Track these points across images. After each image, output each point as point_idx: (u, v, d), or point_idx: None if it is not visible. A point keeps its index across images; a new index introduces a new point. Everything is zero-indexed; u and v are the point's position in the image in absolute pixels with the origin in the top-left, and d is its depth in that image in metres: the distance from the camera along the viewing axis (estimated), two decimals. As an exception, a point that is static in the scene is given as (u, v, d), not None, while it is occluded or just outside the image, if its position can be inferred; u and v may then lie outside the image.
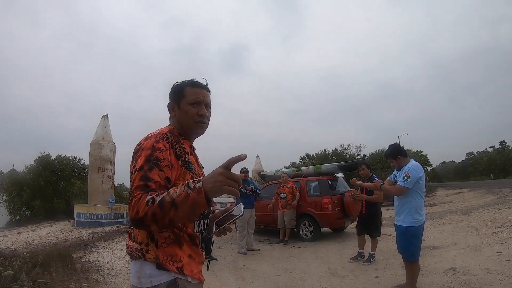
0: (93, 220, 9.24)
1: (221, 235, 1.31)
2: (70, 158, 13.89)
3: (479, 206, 9.22)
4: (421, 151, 27.70)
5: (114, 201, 9.79)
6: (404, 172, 3.18)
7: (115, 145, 10.66)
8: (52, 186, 12.57)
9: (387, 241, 5.89)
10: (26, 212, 11.81)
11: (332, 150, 26.66)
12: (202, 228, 1.26)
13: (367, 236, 5.08)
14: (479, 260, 4.14)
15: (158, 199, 0.98)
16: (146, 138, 1.18)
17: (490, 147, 54.46)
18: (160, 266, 1.12)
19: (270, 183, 8.51)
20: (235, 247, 6.31)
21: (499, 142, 52.50)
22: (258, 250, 6.10)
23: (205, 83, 1.34)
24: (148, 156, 1.10)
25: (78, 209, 9.54)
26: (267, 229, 7.94)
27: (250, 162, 18.23)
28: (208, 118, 1.32)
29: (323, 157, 25.03)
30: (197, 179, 1.01)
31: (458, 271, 3.82)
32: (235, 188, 0.97)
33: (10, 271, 3.36)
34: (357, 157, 23.71)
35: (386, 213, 10.25)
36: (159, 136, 1.17)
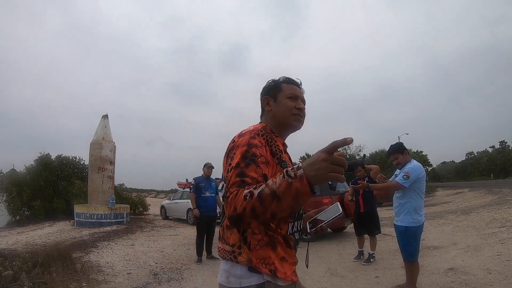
0: (93, 220, 9.22)
1: (317, 235, 1.26)
2: (70, 158, 13.86)
3: (479, 206, 9.21)
4: (421, 151, 27.67)
5: (114, 201, 9.78)
6: (405, 171, 3.18)
7: (115, 145, 10.66)
8: (52, 186, 12.56)
9: (387, 241, 5.89)
10: (26, 212, 11.79)
11: (332, 150, 26.63)
12: (296, 230, 1.21)
13: (366, 235, 5.10)
14: (479, 260, 4.14)
15: (256, 192, 0.92)
16: (240, 135, 1.14)
17: (490, 147, 54.56)
18: (252, 269, 1.09)
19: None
20: (235, 247, 6.31)
21: (499, 142, 52.58)
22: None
23: (299, 83, 1.32)
24: (245, 153, 1.06)
25: (78, 209, 9.53)
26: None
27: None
28: (304, 114, 1.28)
29: (323, 157, 24.99)
30: (295, 166, 0.91)
31: (458, 271, 3.82)
32: (340, 173, 0.89)
33: (10, 271, 3.36)
34: (357, 157, 23.71)
35: (386, 213, 10.27)
36: (254, 132, 1.14)
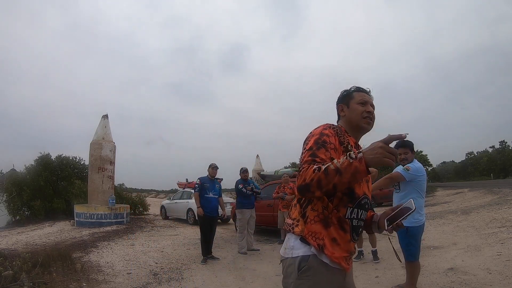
0: (93, 220, 9.23)
1: (393, 232, 1.35)
2: (70, 158, 13.85)
3: (479, 206, 9.21)
4: (421, 151, 27.62)
5: (114, 201, 9.79)
6: (406, 166, 3.16)
7: (115, 145, 10.66)
8: (52, 186, 12.55)
9: (387, 241, 5.88)
10: (26, 212, 11.79)
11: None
12: (355, 216, 1.31)
13: (365, 235, 5.11)
14: (479, 260, 4.14)
15: (323, 167, 1.13)
16: (315, 128, 1.35)
17: (490, 147, 54.52)
18: (303, 240, 1.23)
19: (270, 183, 8.51)
20: (235, 247, 6.31)
21: (499, 142, 52.54)
22: (258, 250, 6.10)
23: (368, 90, 1.50)
24: (317, 140, 1.27)
25: (78, 209, 9.54)
26: (267, 229, 7.95)
27: (250, 162, 18.24)
28: (374, 117, 1.45)
29: (323, 157, 24.98)
30: (357, 151, 1.15)
31: (458, 271, 3.82)
32: (392, 160, 1.08)
33: (10, 271, 3.36)
34: (357, 157, 23.69)
35: (386, 213, 10.24)
36: (326, 125, 1.34)
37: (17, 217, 11.66)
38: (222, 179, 7.15)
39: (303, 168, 1.18)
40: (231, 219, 9.95)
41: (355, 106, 1.42)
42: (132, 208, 12.04)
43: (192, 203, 9.36)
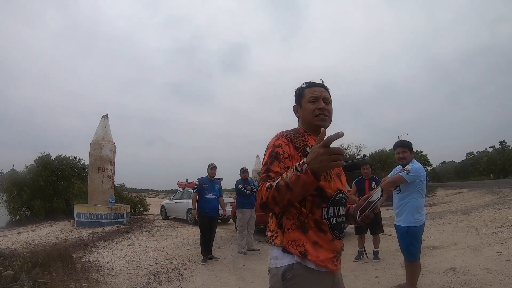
0: (93, 220, 9.23)
1: (364, 223, 1.33)
2: (70, 158, 13.85)
3: (479, 206, 9.21)
4: (421, 151, 27.57)
5: (114, 201, 9.78)
6: (406, 168, 3.17)
7: (115, 145, 10.66)
8: (52, 186, 12.55)
9: (387, 241, 5.89)
10: (26, 212, 11.79)
11: (332, 150, 26.58)
12: (332, 215, 1.29)
13: (366, 235, 5.13)
14: (479, 260, 4.14)
15: (274, 184, 1.13)
16: (271, 139, 1.35)
17: (490, 147, 54.54)
18: (285, 250, 1.23)
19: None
20: (235, 247, 6.31)
21: (499, 142, 52.57)
22: (258, 250, 6.10)
23: (321, 81, 1.46)
24: (270, 153, 1.28)
25: (78, 209, 9.53)
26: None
27: (250, 162, 18.23)
28: (329, 111, 1.40)
29: (323, 157, 24.93)
30: (301, 162, 1.09)
31: (458, 271, 3.82)
32: (339, 160, 1.04)
33: (10, 271, 3.36)
34: (357, 157, 23.69)
35: (386, 213, 10.26)
36: (279, 134, 1.34)
37: (17, 217, 11.65)
38: (222, 179, 7.15)
39: (259, 186, 1.20)
40: (231, 219, 9.96)
41: (306, 105, 1.39)
42: (132, 208, 12.04)
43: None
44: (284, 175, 1.13)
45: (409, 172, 3.12)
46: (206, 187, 5.54)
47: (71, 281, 3.96)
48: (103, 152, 10.09)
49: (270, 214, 1.33)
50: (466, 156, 61.63)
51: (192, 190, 5.84)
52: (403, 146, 3.33)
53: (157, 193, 52.51)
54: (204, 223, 5.51)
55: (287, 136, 1.31)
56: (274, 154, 1.26)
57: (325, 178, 1.27)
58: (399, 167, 3.40)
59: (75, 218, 9.50)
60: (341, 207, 1.34)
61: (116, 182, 12.19)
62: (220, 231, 8.38)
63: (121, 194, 13.18)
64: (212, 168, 5.67)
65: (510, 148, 50.32)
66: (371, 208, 1.25)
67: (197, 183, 5.65)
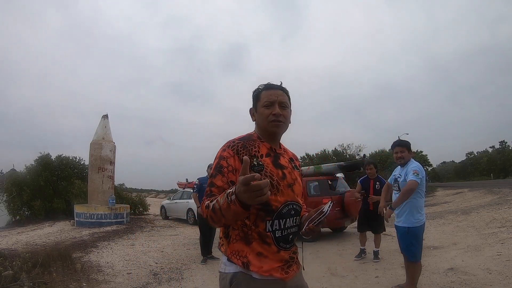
0: (93, 220, 9.23)
1: (308, 235, 1.30)
2: (70, 158, 13.85)
3: (479, 206, 9.21)
4: (421, 151, 27.58)
5: (114, 201, 9.78)
6: (413, 170, 3.13)
7: (115, 145, 10.65)
8: (52, 186, 12.55)
9: (387, 241, 5.88)
10: (26, 212, 11.79)
11: (332, 150, 26.59)
12: (277, 228, 1.26)
13: (368, 233, 5.15)
14: (479, 260, 4.14)
15: (211, 205, 1.14)
16: (221, 147, 1.32)
17: (490, 147, 54.48)
18: (229, 259, 1.26)
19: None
20: (235, 247, 6.31)
21: (499, 142, 52.51)
22: (258, 250, 6.09)
23: (280, 83, 1.39)
24: (216, 165, 1.27)
25: (78, 209, 9.53)
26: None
27: (250, 162, 18.18)
28: (285, 116, 1.34)
29: (323, 157, 24.97)
30: (231, 191, 1.06)
31: (458, 271, 3.82)
32: (262, 194, 1.00)
33: (10, 271, 3.36)
34: (357, 157, 23.68)
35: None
36: (226, 145, 1.30)
37: (17, 217, 11.65)
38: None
39: (203, 200, 1.22)
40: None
41: (261, 110, 1.34)
42: (132, 208, 12.04)
43: (192, 203, 9.36)
44: (219, 198, 1.11)
45: (418, 174, 3.10)
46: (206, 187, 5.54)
47: (71, 281, 3.96)
48: (103, 152, 10.09)
49: None
50: (466, 156, 61.67)
51: (192, 190, 5.83)
52: (402, 145, 3.31)
53: (157, 193, 52.49)
54: (204, 223, 5.51)
55: (233, 148, 1.27)
56: (218, 167, 1.25)
57: (271, 191, 1.20)
58: (399, 167, 3.40)
59: (75, 218, 9.50)
60: (289, 219, 1.29)
61: (116, 182, 12.20)
62: (220, 231, 8.38)
63: (121, 194, 13.18)
64: (212, 168, 5.67)
65: (510, 148, 50.29)
66: (316, 222, 1.24)
67: (197, 183, 5.65)
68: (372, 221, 5.03)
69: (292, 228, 1.31)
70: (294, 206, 1.32)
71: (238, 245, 1.25)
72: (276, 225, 1.26)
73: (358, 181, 5.45)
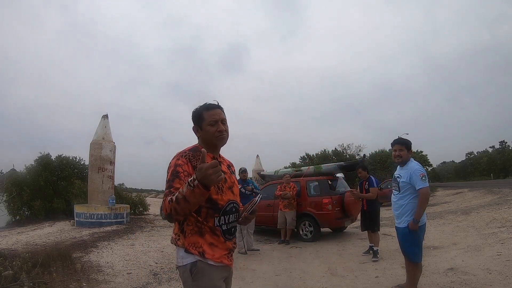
0: (93, 220, 9.22)
1: (245, 223, 1.64)
2: (70, 158, 13.84)
3: (479, 206, 9.21)
4: (421, 151, 27.56)
5: (114, 201, 9.78)
6: (420, 173, 3.09)
7: (115, 145, 10.65)
8: (52, 186, 12.54)
9: (387, 241, 5.89)
10: (26, 212, 11.78)
11: (332, 150, 26.57)
12: (223, 222, 1.55)
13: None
14: (479, 260, 4.14)
15: (174, 198, 1.34)
16: (172, 158, 1.55)
17: (490, 147, 54.40)
18: (187, 251, 1.49)
19: (270, 183, 8.51)
20: (235, 247, 6.31)
21: (499, 142, 52.44)
22: (258, 250, 6.10)
23: (216, 103, 1.64)
24: (173, 171, 1.48)
25: (78, 209, 9.53)
26: (267, 229, 7.94)
27: (250, 162, 18.20)
28: (226, 131, 1.62)
29: (323, 157, 24.97)
30: (192, 178, 1.30)
31: (458, 271, 3.82)
32: (219, 171, 1.28)
33: (10, 271, 3.36)
34: (357, 157, 23.66)
35: (386, 213, 10.26)
36: (179, 154, 1.54)
37: (17, 217, 11.65)
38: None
39: (163, 200, 1.42)
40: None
41: (207, 128, 1.58)
42: (132, 208, 12.03)
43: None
44: (180, 189, 1.34)
45: (425, 178, 3.08)
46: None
47: (71, 281, 3.96)
48: (103, 152, 10.09)
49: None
50: (466, 156, 61.61)
51: None
52: (401, 143, 3.25)
53: (157, 193, 52.45)
54: None
55: (186, 156, 1.52)
56: (175, 173, 1.47)
57: (217, 192, 1.51)
58: (398, 166, 3.37)
59: (75, 218, 9.49)
60: (231, 215, 1.58)
61: (116, 182, 12.19)
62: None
63: (121, 194, 13.18)
64: None
65: (510, 148, 50.25)
66: (249, 210, 1.57)
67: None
68: (366, 220, 5.25)
69: (234, 223, 1.60)
70: (234, 205, 1.61)
71: (194, 238, 1.49)
72: (222, 221, 1.54)
73: (358, 185, 5.75)
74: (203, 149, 1.36)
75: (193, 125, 1.65)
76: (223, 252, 1.53)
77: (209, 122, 1.58)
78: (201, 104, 1.64)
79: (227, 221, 1.55)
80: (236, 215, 1.61)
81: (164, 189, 1.52)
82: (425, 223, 3.26)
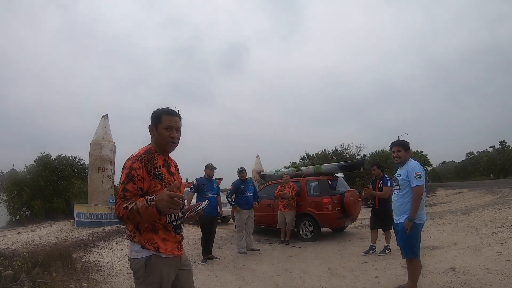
0: (93, 220, 9.23)
1: (189, 222, 1.84)
2: (70, 158, 13.87)
3: (479, 206, 9.20)
4: (421, 151, 27.55)
5: (114, 201, 9.76)
6: (415, 172, 3.17)
7: (115, 145, 10.65)
8: (52, 186, 12.56)
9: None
10: (26, 212, 11.81)
11: (332, 150, 26.55)
12: (174, 219, 1.71)
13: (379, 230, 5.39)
14: (479, 260, 4.14)
15: (129, 207, 1.49)
16: (128, 160, 1.64)
17: (490, 147, 54.42)
18: (143, 246, 1.62)
19: (270, 183, 8.51)
20: (235, 247, 6.31)
21: (499, 142, 52.46)
22: (258, 250, 6.10)
23: (177, 111, 1.75)
24: (127, 173, 1.58)
25: (78, 209, 9.53)
26: (267, 229, 7.94)
27: (250, 162, 18.20)
28: (178, 139, 1.76)
29: (323, 157, 24.95)
30: (151, 198, 1.47)
31: (458, 271, 3.82)
32: (176, 209, 1.46)
33: (10, 271, 3.36)
34: (357, 157, 23.66)
35: (386, 213, 10.25)
36: (135, 158, 1.63)
37: (17, 217, 11.67)
38: (222, 179, 7.14)
39: (117, 202, 1.55)
40: (231, 219, 9.95)
41: (162, 131, 1.69)
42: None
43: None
44: (138, 202, 1.48)
45: (420, 175, 3.14)
46: (205, 187, 5.52)
47: (71, 281, 3.96)
48: (103, 152, 10.09)
49: None
50: (466, 156, 61.63)
51: (189, 190, 5.79)
52: (399, 145, 3.39)
53: (157, 193, 52.40)
54: (206, 224, 5.50)
55: (142, 161, 1.62)
56: (130, 176, 1.57)
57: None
58: (399, 168, 3.41)
59: (75, 218, 9.50)
60: (180, 212, 1.73)
61: (116, 182, 12.16)
62: (220, 231, 8.38)
63: (121, 194, 13.15)
64: (211, 169, 5.65)
65: (510, 148, 50.26)
66: (195, 211, 1.73)
67: (194, 183, 5.64)
68: (381, 219, 5.30)
69: (181, 219, 1.77)
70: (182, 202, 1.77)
71: (149, 235, 1.63)
72: (173, 217, 1.70)
73: (370, 183, 5.82)
74: (175, 182, 1.65)
75: (149, 125, 1.75)
76: (174, 245, 1.70)
77: (165, 126, 1.69)
78: (163, 107, 1.74)
79: (176, 217, 1.72)
80: (182, 213, 1.76)
81: None
82: (425, 221, 3.27)
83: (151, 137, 1.76)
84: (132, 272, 1.72)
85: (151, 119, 1.74)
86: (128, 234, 1.68)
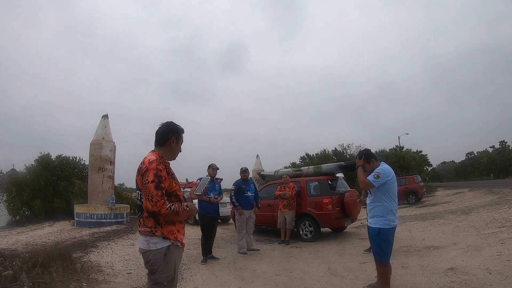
0: (93, 220, 9.23)
1: (189, 222, 2.20)
2: (70, 158, 13.85)
3: (479, 206, 9.21)
4: (421, 151, 27.55)
5: (114, 201, 9.78)
6: (376, 171, 3.25)
7: (115, 145, 10.65)
8: (52, 186, 12.55)
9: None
10: (26, 212, 11.79)
11: (332, 150, 26.59)
12: None
13: None
14: (479, 260, 4.14)
15: (173, 207, 1.94)
16: (150, 162, 1.96)
17: (490, 147, 54.45)
18: (165, 237, 1.98)
19: (270, 183, 8.51)
20: (235, 247, 6.31)
21: (499, 142, 52.49)
22: (258, 250, 6.10)
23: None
24: (155, 173, 1.92)
25: (78, 209, 9.53)
26: (267, 229, 7.95)
27: (250, 162, 18.20)
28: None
29: (323, 157, 24.98)
30: (186, 204, 2.09)
31: (458, 271, 3.82)
32: (194, 215, 2.19)
33: (10, 271, 3.36)
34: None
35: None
36: (159, 161, 1.99)
37: (17, 217, 11.66)
38: (222, 179, 7.13)
39: (159, 201, 1.87)
40: (231, 219, 9.95)
41: (178, 146, 2.17)
42: (132, 208, 12.04)
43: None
44: (177, 205, 1.98)
45: (378, 177, 3.18)
46: (207, 187, 5.52)
47: (71, 281, 3.96)
48: (103, 152, 10.09)
49: (146, 214, 1.98)
50: (466, 156, 61.70)
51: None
52: (359, 157, 3.47)
53: (157, 193, 52.42)
54: (206, 224, 5.50)
55: (163, 163, 2.01)
56: (158, 176, 1.92)
57: (179, 190, 2.09)
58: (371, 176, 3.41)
59: (75, 218, 9.50)
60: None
61: (116, 182, 12.20)
62: (220, 231, 8.38)
63: (121, 194, 13.19)
64: (214, 169, 5.65)
65: (510, 148, 50.27)
66: (200, 189, 2.45)
67: (197, 183, 5.64)
68: None
69: None
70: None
71: (170, 227, 2.00)
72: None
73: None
74: (196, 207, 2.24)
75: (171, 135, 2.11)
76: (183, 237, 2.11)
77: (181, 143, 2.19)
78: (180, 125, 2.18)
79: None
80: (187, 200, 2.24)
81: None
82: (396, 225, 3.32)
83: (165, 145, 2.11)
84: (146, 264, 2.01)
85: (173, 132, 2.13)
86: (148, 230, 1.97)
